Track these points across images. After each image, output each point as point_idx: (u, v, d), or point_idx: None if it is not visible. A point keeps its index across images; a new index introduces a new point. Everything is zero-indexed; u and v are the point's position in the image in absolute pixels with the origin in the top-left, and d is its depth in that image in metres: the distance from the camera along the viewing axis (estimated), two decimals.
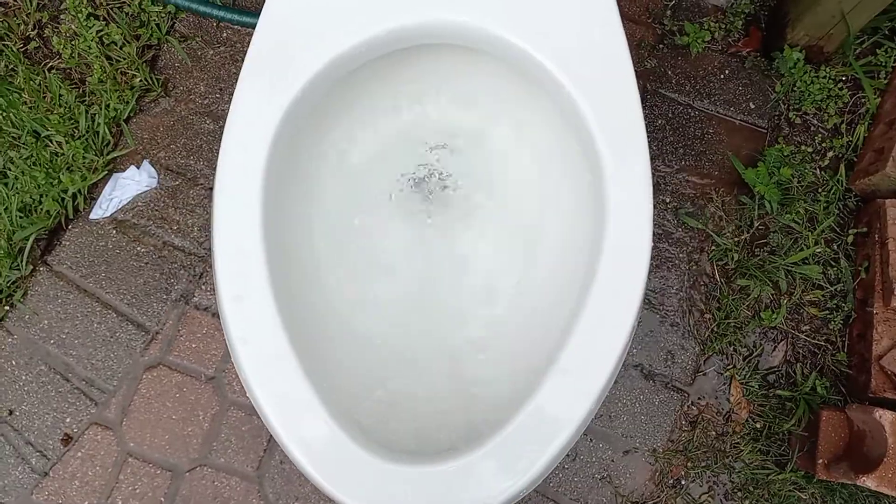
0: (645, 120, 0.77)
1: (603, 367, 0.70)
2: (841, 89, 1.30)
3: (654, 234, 0.75)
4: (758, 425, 1.18)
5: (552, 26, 0.79)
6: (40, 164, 1.24)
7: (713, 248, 1.25)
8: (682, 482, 1.16)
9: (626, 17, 1.35)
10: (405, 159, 1.01)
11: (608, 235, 0.72)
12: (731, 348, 1.22)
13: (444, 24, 0.80)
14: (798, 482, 1.15)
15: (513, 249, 0.97)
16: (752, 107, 1.33)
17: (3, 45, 1.31)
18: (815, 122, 1.31)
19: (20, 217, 1.22)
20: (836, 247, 1.25)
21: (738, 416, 1.19)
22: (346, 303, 0.92)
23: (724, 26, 1.36)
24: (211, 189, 1.26)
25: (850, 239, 1.24)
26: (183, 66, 1.33)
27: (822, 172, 1.28)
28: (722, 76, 1.34)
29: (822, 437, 1.11)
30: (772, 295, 1.23)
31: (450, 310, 0.95)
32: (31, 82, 1.28)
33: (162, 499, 1.13)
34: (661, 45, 1.36)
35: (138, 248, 1.24)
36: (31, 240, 1.21)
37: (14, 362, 1.18)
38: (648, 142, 0.77)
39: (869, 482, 1.00)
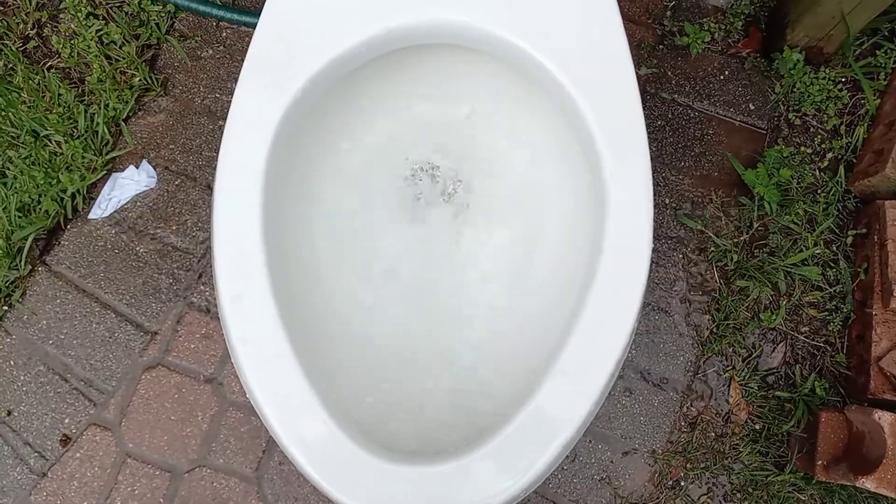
0: (644, 120, 0.77)
1: (603, 368, 0.70)
2: (840, 90, 1.30)
3: (653, 235, 0.75)
4: (757, 426, 1.18)
5: (552, 26, 0.79)
6: (39, 164, 1.24)
7: (712, 249, 1.25)
8: (682, 483, 1.16)
9: (625, 18, 1.34)
10: (405, 159, 1.01)
11: (608, 235, 0.72)
12: (731, 349, 1.21)
13: (443, 24, 0.80)
14: (797, 483, 1.15)
15: (513, 249, 0.97)
16: (752, 108, 1.33)
17: (3, 44, 1.31)
18: (815, 123, 1.32)
19: (19, 217, 1.22)
20: (835, 248, 1.25)
21: (737, 418, 1.19)
22: (346, 303, 0.92)
23: (723, 27, 1.36)
24: (210, 189, 1.26)
25: (850, 240, 1.24)
26: (182, 65, 1.33)
27: (822, 174, 1.29)
28: (722, 77, 1.34)
29: (822, 438, 1.11)
30: (771, 296, 1.23)
31: (450, 310, 0.94)
32: (31, 82, 1.28)
33: (161, 500, 1.13)
34: (660, 46, 1.36)
35: (137, 248, 1.23)
36: (30, 240, 1.21)
37: (12, 362, 1.18)
38: (648, 142, 0.77)
39: (868, 483, 1.00)
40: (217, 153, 0.76)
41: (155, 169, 1.27)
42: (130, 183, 1.25)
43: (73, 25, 1.32)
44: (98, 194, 1.25)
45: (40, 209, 1.23)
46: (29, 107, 1.27)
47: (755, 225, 1.26)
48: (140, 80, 1.29)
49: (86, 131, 1.26)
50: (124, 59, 1.29)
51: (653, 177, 0.76)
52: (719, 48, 1.36)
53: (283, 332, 0.70)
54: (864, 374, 1.15)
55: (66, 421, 1.16)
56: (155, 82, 1.30)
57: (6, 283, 1.20)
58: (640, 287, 0.72)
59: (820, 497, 1.15)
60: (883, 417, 1.01)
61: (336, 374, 0.79)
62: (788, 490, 1.15)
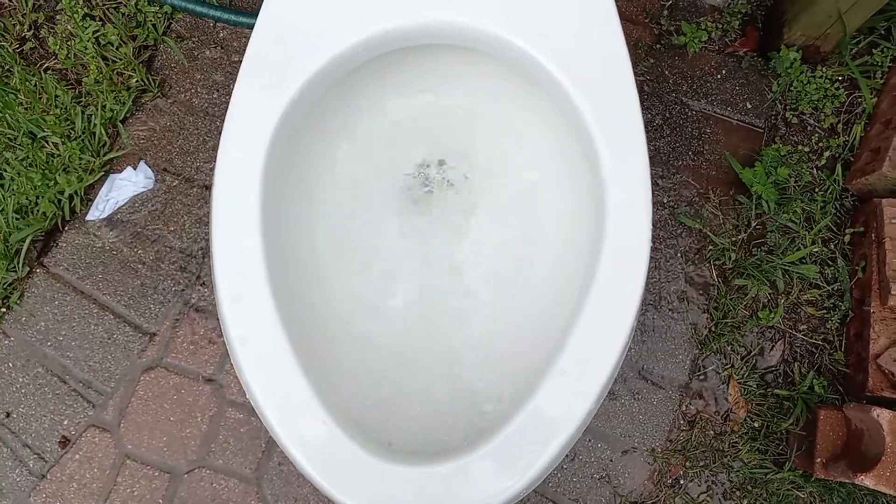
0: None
1: (602, 368, 0.70)
2: (837, 89, 1.31)
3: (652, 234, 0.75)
4: (756, 424, 1.19)
5: (551, 26, 0.79)
6: (36, 166, 1.23)
7: (711, 247, 1.25)
8: (681, 482, 1.16)
9: (623, 17, 1.34)
10: (404, 159, 1.01)
11: (608, 235, 0.73)
12: (729, 348, 1.22)
13: (443, 24, 0.80)
14: (796, 481, 1.15)
15: (513, 249, 0.97)
16: (749, 106, 1.33)
17: None
18: (812, 121, 1.32)
19: (16, 219, 1.21)
20: (833, 246, 1.25)
21: (736, 416, 1.19)
22: (346, 303, 0.92)
23: (720, 26, 1.36)
24: (209, 189, 1.26)
25: (847, 238, 1.24)
26: (179, 66, 1.33)
27: (819, 172, 1.29)
28: (719, 76, 1.35)
29: (820, 435, 1.11)
30: (769, 294, 1.23)
31: (449, 310, 0.95)
32: (27, 83, 1.28)
33: (160, 501, 1.13)
34: (658, 45, 1.36)
35: (135, 250, 1.23)
36: (28, 241, 1.21)
37: (11, 364, 1.18)
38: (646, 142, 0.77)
39: (867, 481, 1.01)
40: (215, 154, 0.76)
41: (152, 170, 1.27)
42: (128, 184, 1.25)
43: (69, 27, 1.31)
44: (96, 196, 1.25)
45: (38, 211, 1.22)
46: (26, 108, 1.27)
47: (753, 223, 1.26)
48: (137, 81, 1.29)
49: (83, 133, 1.26)
50: (121, 60, 1.29)
51: (651, 176, 0.76)
52: (716, 47, 1.36)
53: (283, 332, 0.70)
54: (862, 371, 1.15)
55: (65, 422, 1.16)
56: (152, 83, 1.30)
57: (4, 285, 1.20)
58: (639, 287, 0.72)
59: (819, 494, 1.15)
60: (881, 415, 1.01)
61: (336, 374, 0.79)
62: (787, 488, 1.15)
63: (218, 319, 1.06)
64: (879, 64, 1.30)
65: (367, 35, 0.79)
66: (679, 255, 1.25)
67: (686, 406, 1.19)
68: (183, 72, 1.32)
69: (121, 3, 1.32)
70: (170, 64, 1.33)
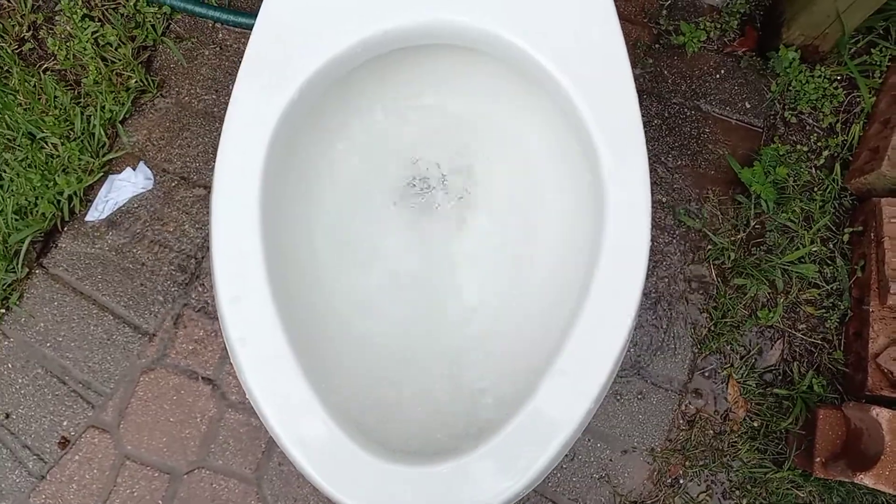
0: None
1: (601, 368, 0.70)
2: (836, 88, 1.31)
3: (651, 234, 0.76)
4: (755, 424, 1.19)
5: (551, 26, 0.79)
6: (36, 166, 1.23)
7: (710, 247, 1.26)
8: (681, 481, 1.17)
9: (621, 17, 1.35)
10: (404, 159, 1.01)
11: (607, 235, 0.73)
12: (729, 347, 1.22)
13: (442, 24, 0.80)
14: (796, 480, 1.15)
15: (512, 249, 0.97)
16: (748, 106, 1.33)
17: None
18: (811, 121, 1.32)
19: (16, 219, 1.21)
20: (831, 245, 1.25)
21: (735, 415, 1.19)
22: (346, 303, 0.92)
23: (719, 26, 1.36)
24: (208, 190, 1.26)
25: (846, 237, 1.25)
26: (179, 67, 1.33)
27: (818, 171, 1.29)
28: (718, 76, 1.35)
29: (820, 435, 1.11)
30: (768, 294, 1.23)
31: (449, 310, 0.95)
32: (26, 84, 1.27)
33: (160, 501, 1.13)
34: (656, 45, 1.36)
35: (135, 251, 1.23)
36: (27, 242, 1.21)
37: (10, 365, 1.18)
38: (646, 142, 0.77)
39: (866, 480, 1.01)
40: (214, 154, 0.76)
41: (152, 171, 1.27)
42: (127, 185, 1.25)
43: (68, 27, 1.31)
44: (95, 196, 1.25)
45: (37, 212, 1.22)
46: (25, 109, 1.27)
47: (752, 223, 1.26)
48: (136, 81, 1.29)
49: (82, 133, 1.26)
50: (120, 60, 1.29)
51: (650, 176, 0.76)
52: (715, 47, 1.36)
53: (283, 333, 0.70)
54: (861, 370, 1.15)
55: (65, 423, 1.16)
56: (151, 84, 1.30)
57: (3, 286, 1.20)
58: (638, 286, 0.72)
59: (818, 494, 1.15)
60: (881, 414, 1.01)
61: (336, 374, 0.79)
62: (787, 487, 1.15)
63: (217, 320, 1.06)
64: (878, 63, 1.31)
65: (367, 35, 0.79)
66: (678, 254, 1.26)
67: (685, 405, 1.19)
68: (182, 72, 1.32)
69: (120, 3, 1.32)
70: (169, 64, 1.33)
